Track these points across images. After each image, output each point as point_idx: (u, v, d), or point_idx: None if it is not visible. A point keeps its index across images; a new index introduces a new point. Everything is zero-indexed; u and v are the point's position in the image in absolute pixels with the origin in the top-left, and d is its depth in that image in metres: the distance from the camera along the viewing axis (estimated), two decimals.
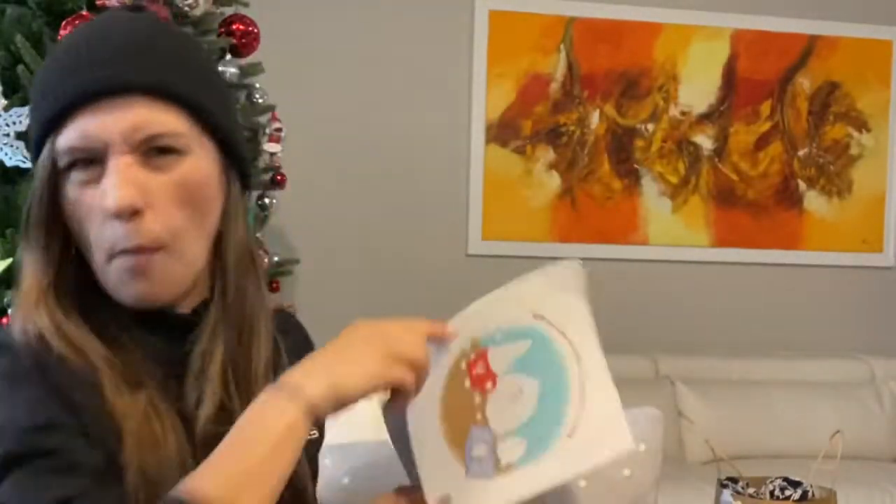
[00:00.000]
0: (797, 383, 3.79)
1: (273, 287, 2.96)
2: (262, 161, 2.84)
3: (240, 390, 0.96)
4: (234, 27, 2.67)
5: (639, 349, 3.78)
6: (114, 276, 0.91)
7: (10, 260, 1.92)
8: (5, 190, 2.04)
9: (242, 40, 2.67)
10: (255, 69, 2.77)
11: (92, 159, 0.90)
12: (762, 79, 4.07)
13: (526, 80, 3.88)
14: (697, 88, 4.02)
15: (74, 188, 0.91)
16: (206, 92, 0.94)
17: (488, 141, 3.87)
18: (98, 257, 0.91)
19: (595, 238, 3.94)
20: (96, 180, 0.90)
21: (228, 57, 2.65)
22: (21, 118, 1.96)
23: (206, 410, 0.94)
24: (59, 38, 1.96)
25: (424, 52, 3.82)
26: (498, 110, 3.87)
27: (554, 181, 3.91)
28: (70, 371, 0.88)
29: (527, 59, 3.88)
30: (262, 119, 2.85)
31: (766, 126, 4.08)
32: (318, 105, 3.63)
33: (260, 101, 2.82)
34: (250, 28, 2.69)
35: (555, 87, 3.91)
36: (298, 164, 3.23)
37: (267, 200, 2.90)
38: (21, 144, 1.95)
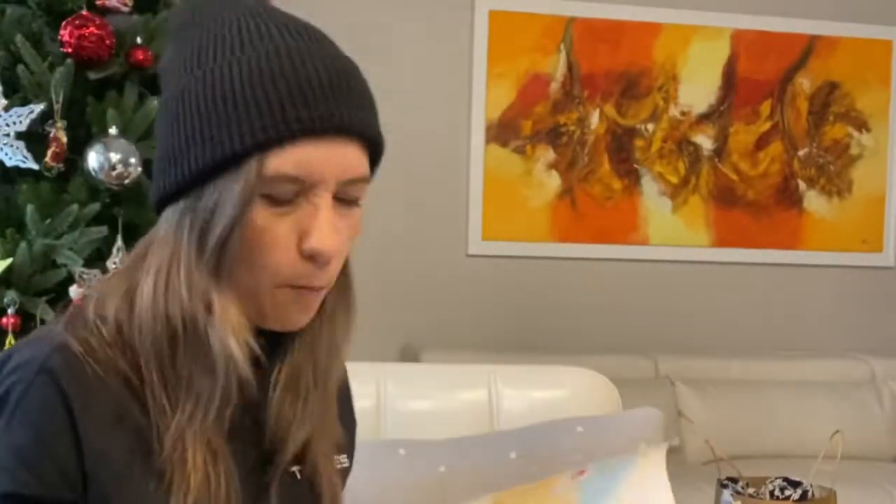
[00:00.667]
0: (797, 383, 3.79)
1: None
2: None
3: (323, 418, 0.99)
4: None
5: (639, 349, 3.79)
6: (278, 301, 0.90)
7: (10, 260, 1.92)
8: (5, 190, 2.03)
9: None
10: None
11: (293, 190, 0.88)
12: (762, 79, 4.07)
13: (526, 80, 3.88)
14: (697, 88, 4.02)
15: (265, 215, 0.87)
16: (383, 152, 0.97)
17: (488, 141, 3.87)
18: (264, 281, 0.89)
19: (595, 238, 3.95)
20: (289, 213, 0.88)
21: None
22: (21, 118, 1.95)
23: (298, 434, 0.95)
24: (59, 37, 1.96)
25: (424, 52, 3.82)
26: (498, 110, 3.87)
27: (554, 181, 3.91)
28: (99, 395, 0.87)
29: (527, 59, 3.88)
30: None
31: (766, 126, 4.09)
32: None
33: None
34: None
35: (555, 87, 3.91)
36: None
37: None
38: (21, 144, 1.95)
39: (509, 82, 3.87)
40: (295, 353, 0.95)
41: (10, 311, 1.89)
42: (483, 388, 1.88)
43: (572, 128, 3.93)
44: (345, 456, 1.04)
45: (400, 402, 1.86)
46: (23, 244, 1.91)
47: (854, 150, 4.16)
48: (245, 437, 0.93)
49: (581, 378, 1.94)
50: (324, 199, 0.87)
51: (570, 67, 3.92)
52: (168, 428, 0.87)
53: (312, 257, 0.87)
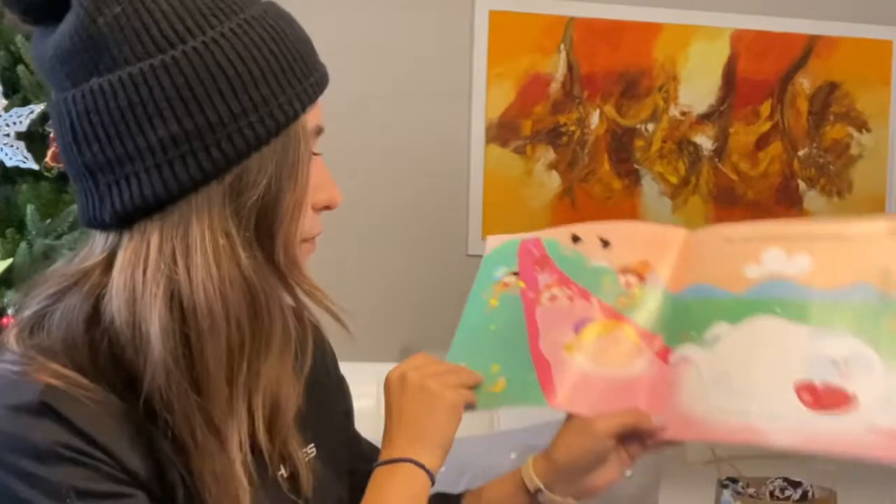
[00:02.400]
0: None
1: None
2: None
3: None
4: None
5: None
6: (303, 255, 0.90)
7: (10, 260, 1.92)
8: (5, 190, 2.03)
9: None
10: None
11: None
12: (762, 79, 4.07)
13: (526, 80, 3.88)
14: (697, 88, 4.02)
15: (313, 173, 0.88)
16: None
17: (488, 141, 3.87)
18: (296, 243, 0.88)
19: None
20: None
21: None
22: (21, 118, 1.96)
23: (290, 420, 0.91)
24: None
25: (424, 52, 3.82)
26: (498, 110, 3.87)
27: (554, 181, 3.91)
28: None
29: (527, 59, 3.88)
30: None
31: (766, 126, 4.08)
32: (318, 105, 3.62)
33: None
34: None
35: (555, 87, 3.91)
36: None
37: None
38: (21, 144, 1.95)
39: (509, 82, 3.87)
40: None
41: (9, 311, 1.89)
42: None
43: (572, 128, 3.93)
44: (312, 446, 0.97)
45: None
46: (23, 244, 1.92)
47: (854, 150, 4.16)
48: None
49: None
50: (318, 152, 0.89)
51: (570, 67, 3.92)
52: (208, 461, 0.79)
53: (326, 208, 0.90)
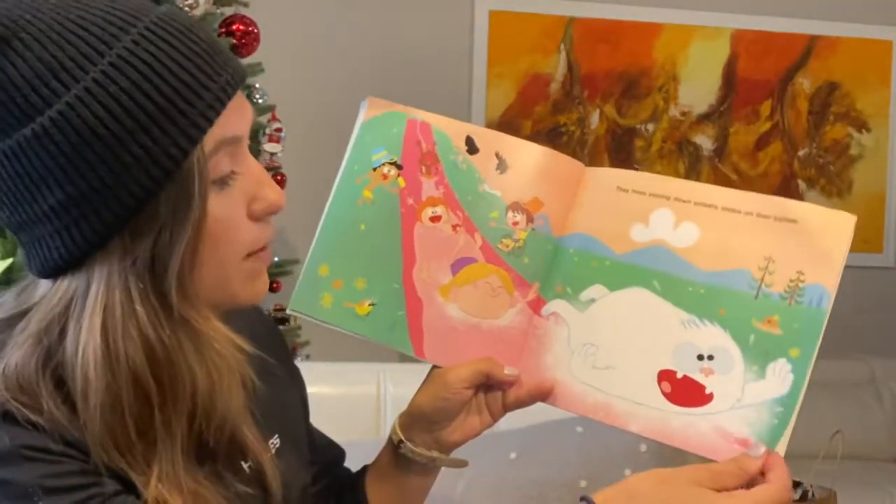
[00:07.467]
0: None
1: (274, 287, 2.96)
2: (262, 161, 2.84)
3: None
4: (234, 27, 2.67)
5: None
6: (246, 276, 0.84)
7: (10, 260, 1.92)
8: None
9: (242, 40, 2.67)
10: (255, 69, 2.77)
11: (229, 164, 0.81)
12: (762, 79, 4.07)
13: (526, 80, 3.88)
14: (697, 88, 4.02)
15: (219, 203, 0.80)
16: None
17: None
18: (231, 266, 0.82)
19: None
20: (231, 187, 0.81)
21: None
22: None
23: (239, 422, 0.85)
24: None
25: (424, 52, 3.82)
26: (498, 110, 3.87)
27: None
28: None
29: (527, 59, 3.88)
30: (262, 119, 2.86)
31: (766, 126, 4.09)
32: (318, 105, 3.63)
33: (260, 101, 2.82)
34: (250, 28, 2.69)
35: (555, 87, 3.91)
36: (298, 164, 3.23)
37: None
38: None
39: (509, 82, 3.87)
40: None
41: None
42: None
43: (572, 128, 3.93)
44: (276, 437, 0.96)
45: (400, 402, 1.85)
46: None
47: (854, 150, 4.16)
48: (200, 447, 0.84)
49: None
50: (248, 156, 0.83)
51: (570, 67, 3.92)
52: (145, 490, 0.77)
53: (268, 215, 0.84)
